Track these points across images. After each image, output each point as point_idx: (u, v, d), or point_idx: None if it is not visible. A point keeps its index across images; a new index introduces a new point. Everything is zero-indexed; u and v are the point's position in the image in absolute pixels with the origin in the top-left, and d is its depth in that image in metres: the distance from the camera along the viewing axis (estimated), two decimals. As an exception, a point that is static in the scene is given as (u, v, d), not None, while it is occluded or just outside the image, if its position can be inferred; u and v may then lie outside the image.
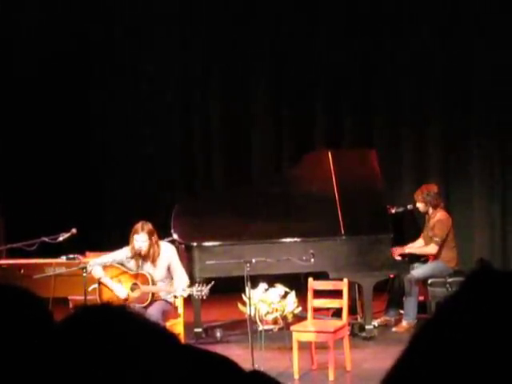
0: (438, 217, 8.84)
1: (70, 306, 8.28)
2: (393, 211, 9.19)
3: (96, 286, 7.34)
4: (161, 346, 1.24)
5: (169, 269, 7.35)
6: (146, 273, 7.28)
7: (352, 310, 8.36)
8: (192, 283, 7.34)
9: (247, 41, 11.21)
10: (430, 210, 8.91)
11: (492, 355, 1.00)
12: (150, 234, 7.30)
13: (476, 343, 1.01)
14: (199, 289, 7.05)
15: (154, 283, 7.26)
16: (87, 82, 11.43)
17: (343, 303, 7.17)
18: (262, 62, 11.21)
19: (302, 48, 11.04)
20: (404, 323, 8.51)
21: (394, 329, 8.54)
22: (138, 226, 7.32)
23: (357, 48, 10.86)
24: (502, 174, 10.49)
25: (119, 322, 1.26)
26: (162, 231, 7.79)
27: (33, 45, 11.19)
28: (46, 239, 8.09)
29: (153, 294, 7.24)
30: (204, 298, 7.14)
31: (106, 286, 7.32)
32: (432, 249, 8.79)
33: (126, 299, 7.21)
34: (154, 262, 7.32)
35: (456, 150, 10.62)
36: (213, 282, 7.20)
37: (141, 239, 7.26)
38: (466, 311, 1.05)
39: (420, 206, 8.95)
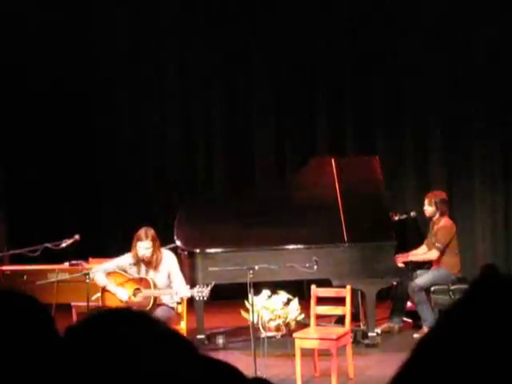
0: (442, 223, 8.84)
1: (73, 312, 8.28)
2: (396, 218, 9.19)
3: (99, 294, 7.33)
4: (170, 351, 1.23)
5: (169, 276, 7.35)
6: (148, 278, 7.28)
7: (355, 317, 8.34)
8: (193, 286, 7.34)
9: (248, 50, 11.24)
10: (437, 216, 8.90)
11: (496, 362, 1.00)
12: (154, 241, 7.31)
13: (480, 350, 1.01)
14: (200, 290, 7.05)
15: (155, 288, 7.26)
16: (90, 94, 11.44)
17: (346, 310, 7.16)
18: (264, 69, 11.23)
19: (304, 54, 11.06)
20: (424, 328, 8.41)
21: (415, 335, 8.40)
22: (142, 232, 7.31)
23: (359, 55, 10.87)
24: (504, 182, 10.46)
25: (127, 328, 1.25)
26: (163, 238, 7.79)
27: (40, 60, 11.22)
28: (48, 245, 8.10)
29: (155, 299, 7.24)
30: (205, 299, 7.14)
31: (108, 291, 7.31)
32: (433, 254, 8.78)
33: (126, 302, 7.21)
34: (156, 267, 7.32)
35: (458, 158, 10.60)
36: (213, 283, 7.20)
37: (144, 246, 7.27)
38: (470, 318, 1.04)
39: (429, 208, 8.92)
